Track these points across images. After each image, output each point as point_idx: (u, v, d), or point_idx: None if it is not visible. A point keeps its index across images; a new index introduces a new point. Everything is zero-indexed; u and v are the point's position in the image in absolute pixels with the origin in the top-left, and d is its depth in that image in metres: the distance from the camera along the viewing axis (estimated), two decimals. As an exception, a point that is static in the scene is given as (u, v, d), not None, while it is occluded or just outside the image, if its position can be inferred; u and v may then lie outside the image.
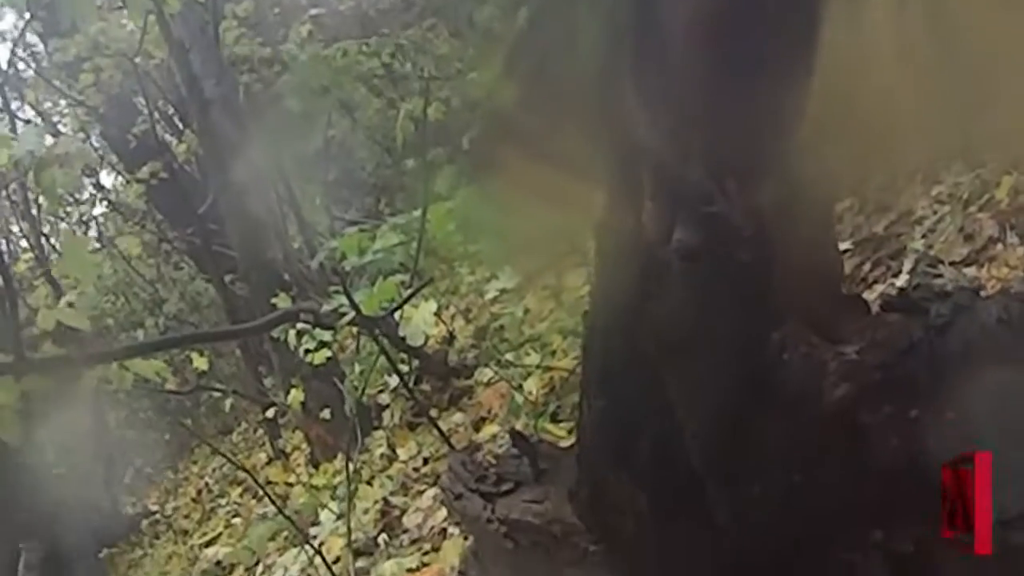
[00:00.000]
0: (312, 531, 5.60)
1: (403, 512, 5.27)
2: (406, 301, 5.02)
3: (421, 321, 5.45)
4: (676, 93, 1.51)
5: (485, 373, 5.87)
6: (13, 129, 7.53)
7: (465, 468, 3.08)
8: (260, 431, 9.01)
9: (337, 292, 5.42)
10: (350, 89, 8.23)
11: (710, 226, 1.51)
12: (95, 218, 10.47)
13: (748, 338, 1.57)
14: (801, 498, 1.59)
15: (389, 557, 4.83)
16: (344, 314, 4.76)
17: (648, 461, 1.80)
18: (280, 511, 4.26)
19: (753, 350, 1.56)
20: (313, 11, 9.55)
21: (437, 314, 5.73)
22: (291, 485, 6.92)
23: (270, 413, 7.01)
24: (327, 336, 5.49)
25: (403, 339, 5.44)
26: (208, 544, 7.12)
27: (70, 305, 4.00)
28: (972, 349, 1.56)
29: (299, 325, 5.45)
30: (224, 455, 6.61)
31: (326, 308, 5.09)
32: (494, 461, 2.77)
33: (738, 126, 1.49)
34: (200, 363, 5.84)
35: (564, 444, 2.81)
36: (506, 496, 2.64)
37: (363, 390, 5.44)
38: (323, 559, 4.65)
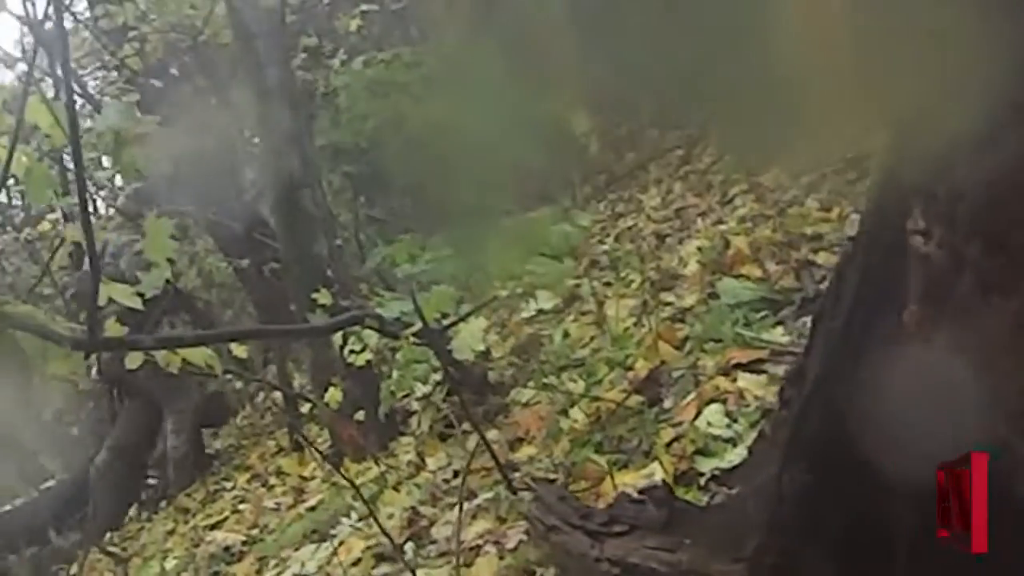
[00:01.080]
0: (333, 531, 5.62)
1: (432, 523, 5.26)
2: (468, 316, 5.07)
3: (469, 336, 5.51)
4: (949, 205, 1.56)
5: (523, 393, 5.87)
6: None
7: (564, 502, 3.12)
8: (267, 418, 8.98)
9: (395, 298, 5.47)
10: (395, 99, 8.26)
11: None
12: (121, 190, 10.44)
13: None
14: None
15: (417, 567, 4.82)
16: (408, 324, 4.81)
17: (843, 536, 1.85)
18: (374, 518, 4.25)
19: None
20: (364, 6, 9.59)
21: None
22: (305, 479, 6.93)
23: (304, 408, 7.02)
24: (374, 340, 5.51)
25: (450, 351, 5.48)
26: (213, 527, 7.08)
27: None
28: None
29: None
30: (315, 449, 6.45)
31: (381, 312, 5.13)
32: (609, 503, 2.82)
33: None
34: (239, 351, 5.85)
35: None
36: (619, 537, 2.69)
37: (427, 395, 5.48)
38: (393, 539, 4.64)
